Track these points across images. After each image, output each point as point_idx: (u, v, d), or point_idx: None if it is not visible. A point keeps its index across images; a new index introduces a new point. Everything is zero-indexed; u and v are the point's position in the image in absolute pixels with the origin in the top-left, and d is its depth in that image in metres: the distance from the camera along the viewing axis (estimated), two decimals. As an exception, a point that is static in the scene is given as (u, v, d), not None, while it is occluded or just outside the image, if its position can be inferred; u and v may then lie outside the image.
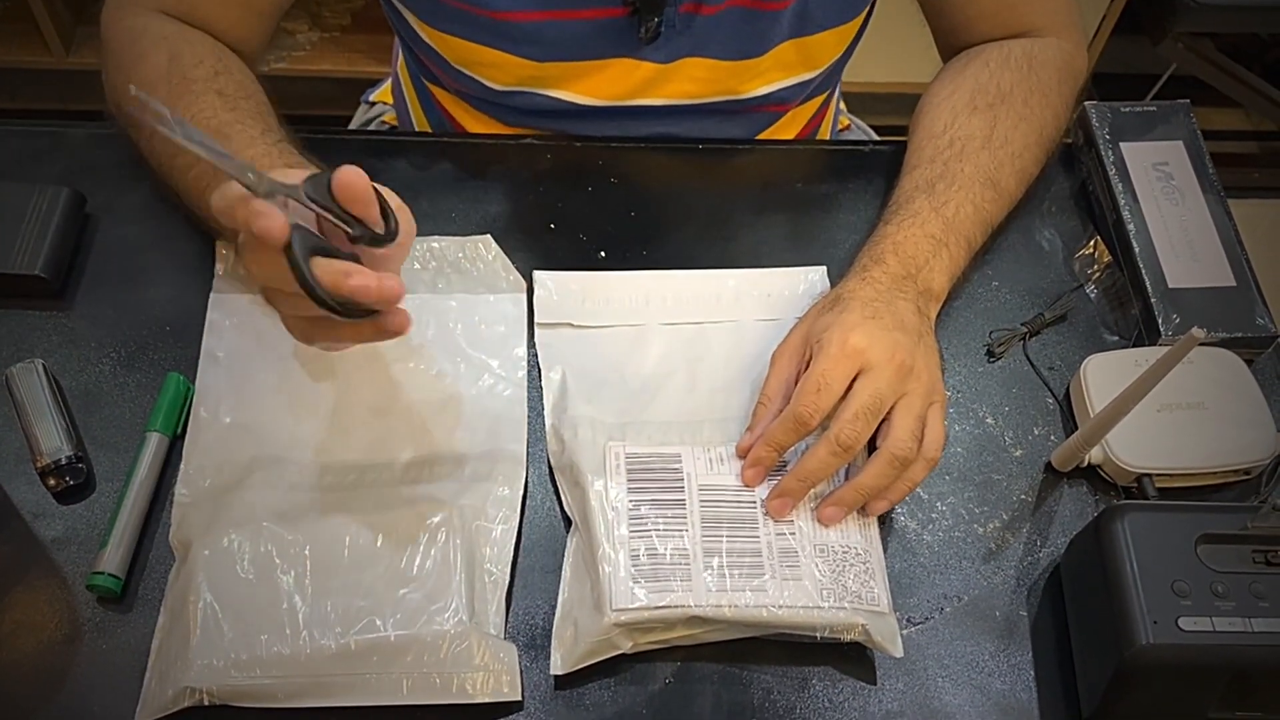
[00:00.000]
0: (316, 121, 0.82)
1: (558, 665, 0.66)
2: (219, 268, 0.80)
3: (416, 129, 1.04)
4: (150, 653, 0.65)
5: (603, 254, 0.84)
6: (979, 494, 0.75)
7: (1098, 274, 0.85)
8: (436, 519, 0.68)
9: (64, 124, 0.90)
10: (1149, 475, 0.73)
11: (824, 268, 0.84)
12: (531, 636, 0.68)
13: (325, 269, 0.59)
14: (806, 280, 0.83)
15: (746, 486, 0.70)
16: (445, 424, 0.74)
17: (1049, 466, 0.76)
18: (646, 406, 0.75)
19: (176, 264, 0.82)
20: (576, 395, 0.75)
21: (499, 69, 0.87)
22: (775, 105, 0.94)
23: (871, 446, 0.70)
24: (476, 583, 0.67)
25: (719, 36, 0.85)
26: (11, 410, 0.74)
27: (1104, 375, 0.76)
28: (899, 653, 0.66)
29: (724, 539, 0.67)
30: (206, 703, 0.62)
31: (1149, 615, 0.61)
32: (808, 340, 0.72)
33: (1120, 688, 0.63)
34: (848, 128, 1.15)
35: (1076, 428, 0.75)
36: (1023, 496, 0.75)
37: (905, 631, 0.69)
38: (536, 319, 0.80)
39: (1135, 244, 0.82)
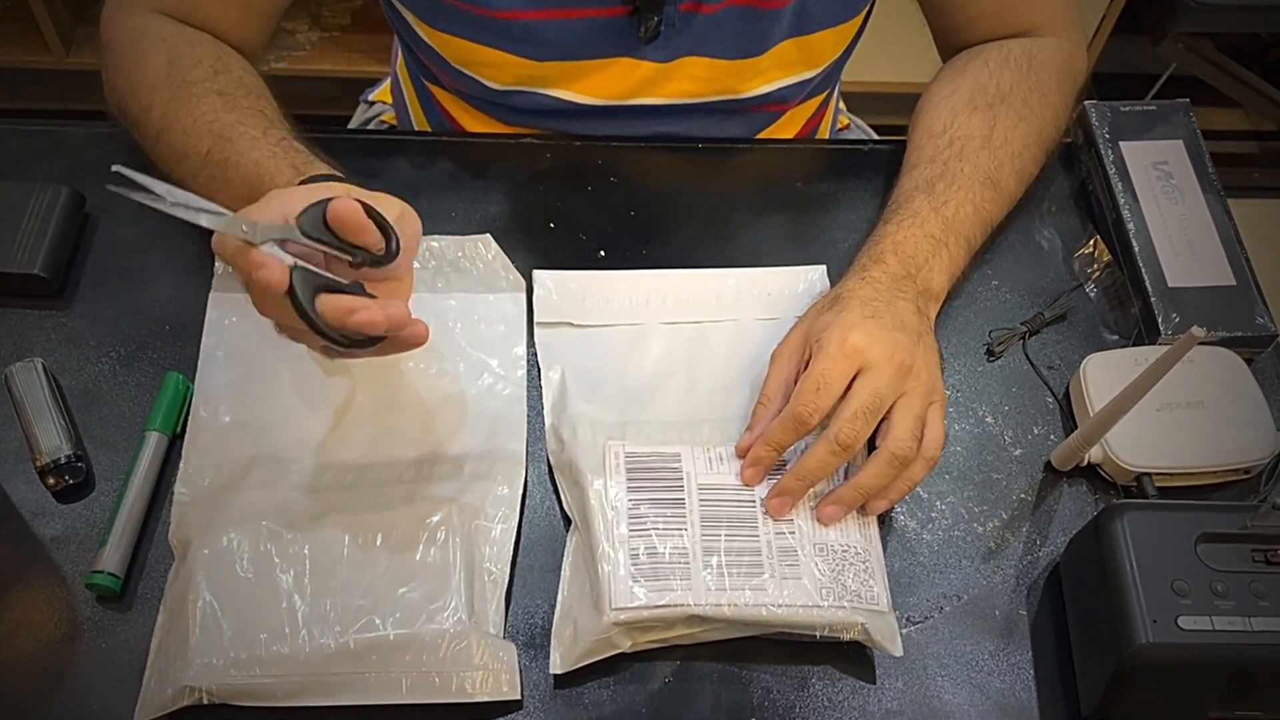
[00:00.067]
0: (316, 121, 0.82)
1: (557, 664, 0.66)
2: (218, 267, 0.80)
3: (416, 128, 1.04)
4: (149, 651, 0.65)
5: (602, 253, 0.84)
6: (978, 493, 0.75)
7: (1097, 273, 0.85)
8: (436, 518, 0.68)
9: (64, 123, 0.90)
10: (1148, 474, 0.73)
11: (823, 267, 0.84)
12: (531, 635, 0.68)
13: (330, 307, 0.59)
14: (806, 279, 0.83)
15: (746, 486, 0.70)
16: (445, 423, 0.74)
17: (1048, 466, 0.76)
18: (646, 406, 0.75)
19: (176, 263, 0.82)
20: (576, 394, 0.75)
21: (498, 68, 0.87)
22: (775, 104, 0.94)
23: (871, 446, 0.69)
24: (476, 582, 0.67)
25: (718, 35, 0.85)
26: (11, 409, 0.74)
27: (1103, 374, 0.76)
28: (898, 652, 0.66)
29: (723, 538, 0.67)
30: (206, 701, 0.62)
31: (1149, 614, 0.61)
32: (807, 339, 0.72)
33: (1120, 687, 0.63)
34: (847, 127, 1.15)
35: (1076, 427, 0.75)
36: (1022, 496, 0.75)
37: (905, 630, 0.69)
38: (536, 318, 0.80)
39: (1135, 243, 0.82)
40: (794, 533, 0.68)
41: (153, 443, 0.72)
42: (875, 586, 0.67)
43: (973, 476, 0.76)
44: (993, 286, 0.85)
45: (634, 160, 0.90)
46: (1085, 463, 0.74)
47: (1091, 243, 0.87)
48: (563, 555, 0.70)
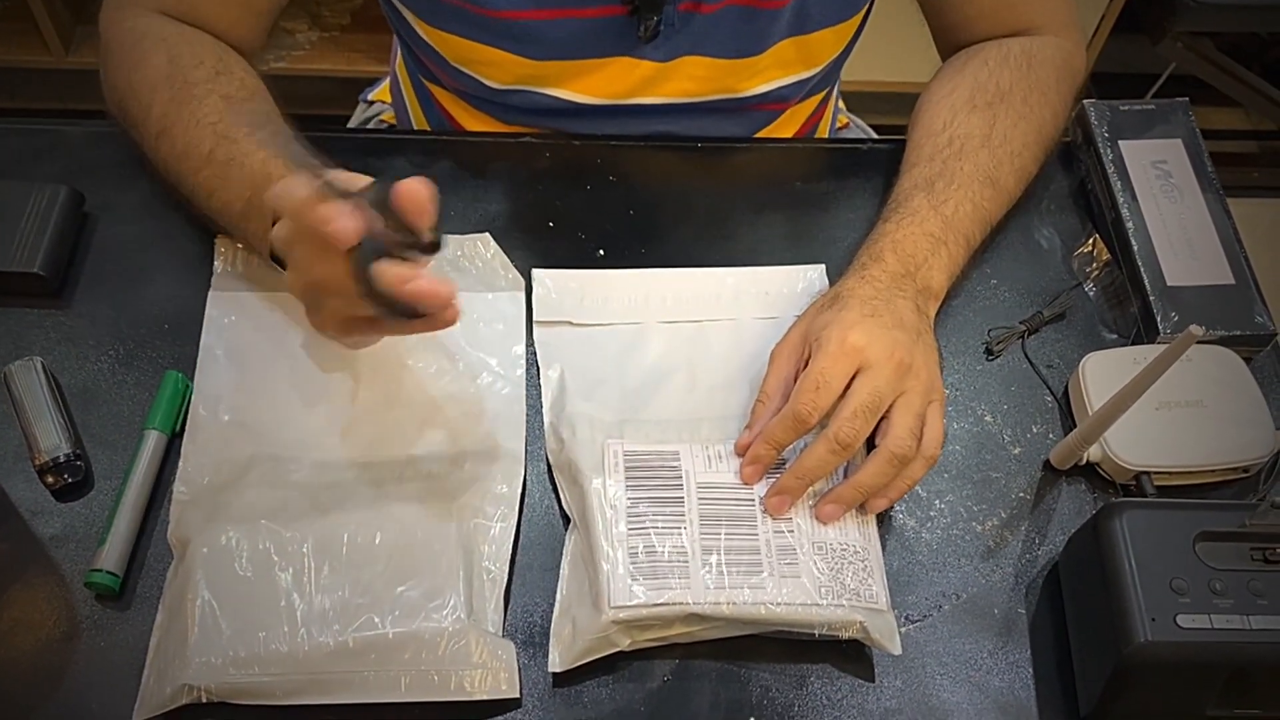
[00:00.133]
0: (316, 121, 0.82)
1: (556, 663, 0.66)
2: (218, 265, 0.80)
3: (415, 128, 1.04)
4: (148, 650, 0.65)
5: (601, 252, 0.84)
6: (977, 492, 0.75)
7: (1096, 272, 0.85)
8: (435, 516, 0.68)
9: (63, 122, 0.90)
10: (1147, 473, 0.73)
11: (823, 266, 0.84)
12: (530, 634, 0.68)
13: (386, 272, 0.59)
14: (805, 278, 0.83)
15: (745, 484, 0.70)
16: (444, 422, 0.74)
17: (1047, 464, 0.76)
18: (645, 404, 0.75)
19: (175, 262, 0.82)
20: (575, 393, 0.75)
21: (498, 67, 0.87)
22: (774, 103, 0.94)
23: (870, 444, 0.69)
24: (475, 580, 0.67)
25: (717, 35, 0.85)
26: (10, 408, 0.74)
27: (1102, 373, 0.76)
28: (897, 650, 0.66)
29: (722, 537, 0.67)
30: (204, 700, 0.62)
31: (1147, 613, 0.61)
32: (806, 338, 0.72)
33: (1119, 685, 0.63)
34: (846, 126, 1.15)
35: (1075, 426, 0.75)
36: (1021, 494, 0.75)
37: (904, 629, 0.69)
38: (535, 317, 0.80)
39: (1134, 242, 0.82)
40: (793, 531, 0.68)
41: (152, 441, 0.72)
42: (874, 585, 0.67)
43: (972, 475, 0.76)
44: (992, 285, 0.85)
45: (633, 159, 0.90)
46: (1084, 461, 0.75)
47: (1090, 242, 0.87)
48: (561, 554, 0.70)
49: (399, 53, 1.05)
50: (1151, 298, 0.80)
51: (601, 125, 0.91)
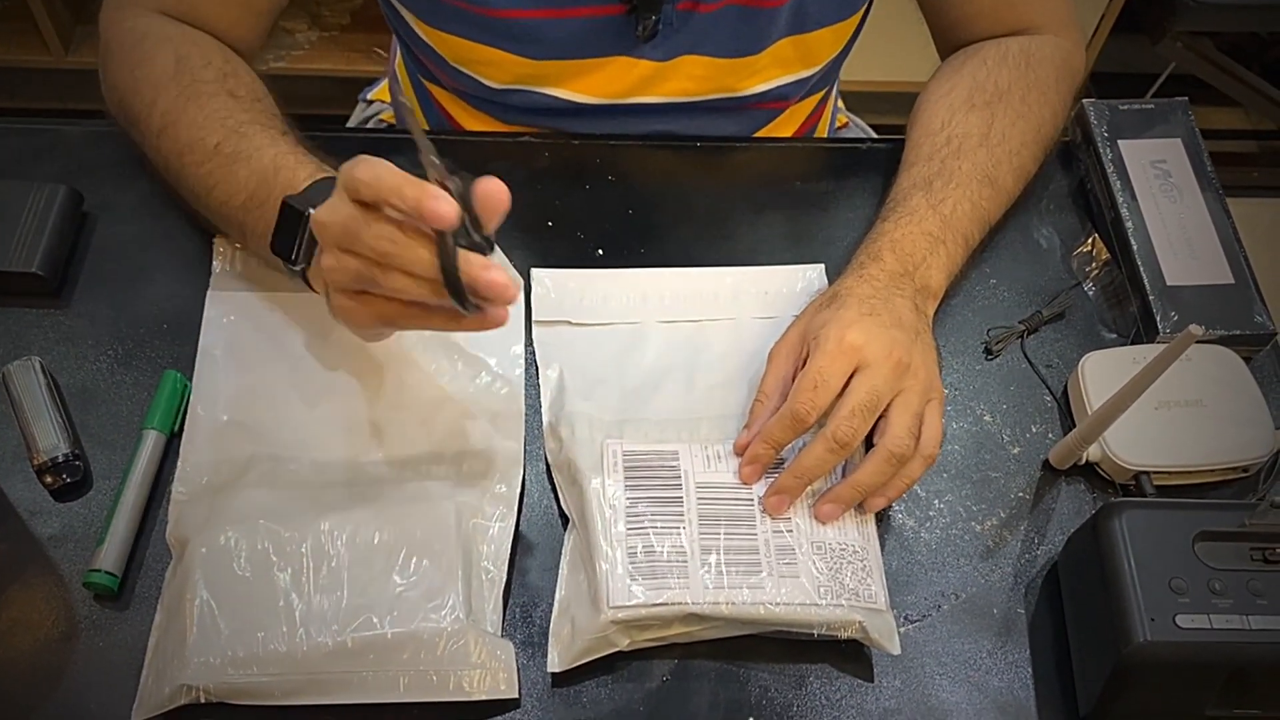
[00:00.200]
0: (315, 120, 0.82)
1: (555, 663, 0.66)
2: (216, 265, 0.80)
3: (414, 127, 1.04)
4: (147, 650, 0.65)
5: (600, 252, 0.84)
6: (976, 491, 0.75)
7: (1096, 271, 0.85)
8: (433, 517, 0.68)
9: (62, 122, 0.89)
10: (1147, 473, 0.73)
11: (822, 265, 0.84)
12: (529, 634, 0.68)
13: (468, 260, 0.60)
14: (804, 278, 0.83)
15: (744, 484, 0.70)
16: (442, 421, 0.74)
17: (1046, 464, 0.76)
18: (644, 404, 0.75)
19: (174, 262, 0.82)
20: (574, 393, 0.75)
21: (496, 67, 0.87)
22: (773, 102, 0.94)
23: (869, 444, 0.69)
24: (474, 580, 0.67)
25: (716, 34, 0.85)
26: (9, 408, 0.74)
27: (1102, 373, 0.76)
28: (896, 650, 0.66)
29: (721, 536, 0.67)
30: (203, 700, 0.62)
31: (1146, 613, 0.61)
32: (805, 337, 0.72)
33: (1118, 685, 0.63)
34: (846, 125, 1.15)
35: (1074, 425, 0.75)
36: (1020, 494, 0.75)
37: (903, 629, 0.69)
38: (534, 317, 0.80)
39: (1133, 241, 0.82)
40: (792, 531, 0.68)
41: (150, 441, 0.72)
42: (873, 585, 0.67)
43: (971, 475, 0.76)
44: (991, 285, 0.85)
45: (632, 159, 0.90)
46: (1083, 461, 0.74)
47: (1090, 241, 0.87)
48: (560, 554, 0.70)
49: (398, 53, 1.05)
50: (1151, 297, 0.80)
51: (601, 125, 0.91)
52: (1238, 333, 0.79)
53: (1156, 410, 0.74)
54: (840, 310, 0.71)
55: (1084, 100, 0.91)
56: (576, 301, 0.80)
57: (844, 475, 0.70)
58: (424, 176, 0.61)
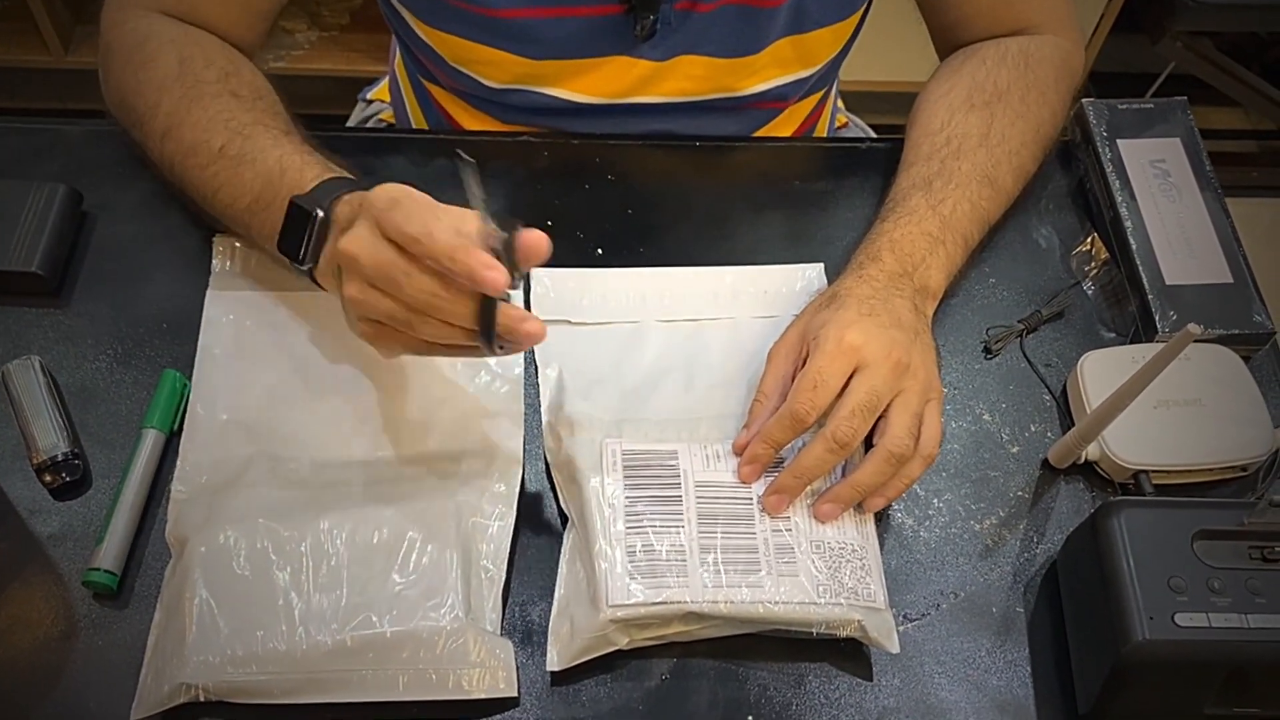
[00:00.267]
0: (315, 120, 0.82)
1: (554, 661, 0.66)
2: (216, 265, 0.80)
3: (414, 127, 1.04)
4: (146, 649, 0.65)
5: (600, 251, 0.84)
6: (976, 491, 0.75)
7: (1095, 271, 0.85)
8: (433, 515, 0.68)
9: (62, 122, 0.90)
10: (1146, 471, 0.73)
11: (821, 265, 0.84)
12: (528, 633, 0.68)
13: (504, 312, 0.63)
14: (804, 277, 0.83)
15: (743, 483, 0.70)
16: (442, 421, 0.74)
17: (1046, 463, 0.76)
18: (643, 403, 0.75)
19: (173, 261, 0.82)
20: (573, 392, 0.75)
21: (495, 67, 0.87)
22: (772, 102, 0.94)
23: (868, 444, 0.69)
24: (473, 579, 0.67)
25: (714, 34, 0.85)
26: (8, 407, 0.74)
27: (1101, 372, 0.76)
28: (895, 649, 0.66)
29: (720, 535, 0.67)
30: (202, 699, 0.62)
31: (1145, 611, 0.61)
32: (804, 337, 0.72)
33: (1117, 684, 0.63)
34: (845, 125, 1.15)
35: (1073, 424, 0.75)
36: (1019, 493, 0.75)
37: (902, 628, 0.69)
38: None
39: (1132, 241, 0.82)
40: (791, 530, 0.68)
41: (150, 440, 0.72)
42: (872, 584, 0.67)
43: (970, 474, 0.76)
44: (990, 284, 0.85)
45: (632, 158, 0.90)
46: (1082, 460, 0.75)
47: (1089, 240, 0.87)
48: (560, 553, 0.70)
49: (398, 52, 1.05)
50: (1150, 296, 0.80)
51: (600, 124, 0.91)
52: (1236, 332, 0.79)
53: (1155, 409, 0.74)
54: (839, 310, 0.71)
55: (1083, 100, 0.91)
56: (576, 301, 0.80)
57: (843, 475, 0.70)
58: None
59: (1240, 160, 2.17)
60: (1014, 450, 0.77)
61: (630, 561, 0.66)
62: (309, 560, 0.66)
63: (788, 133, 1.00)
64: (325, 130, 0.89)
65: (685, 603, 0.65)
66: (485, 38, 0.85)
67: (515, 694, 0.65)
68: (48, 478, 0.71)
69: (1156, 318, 0.79)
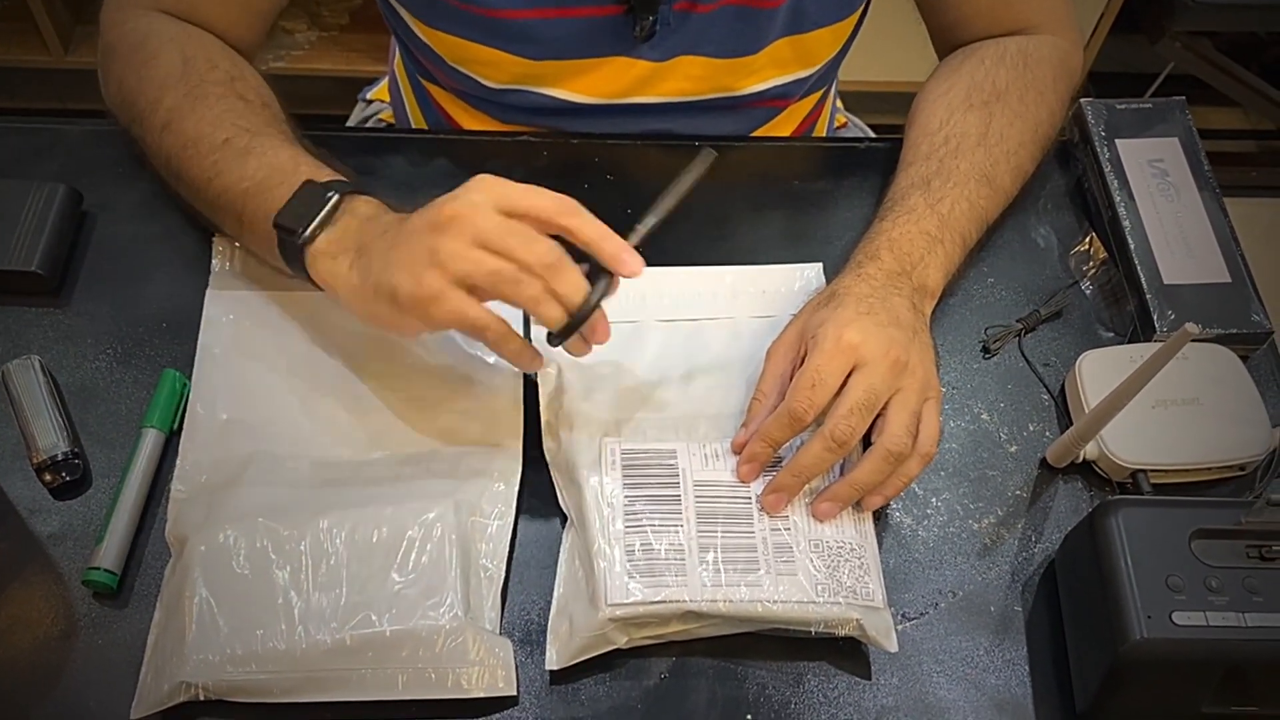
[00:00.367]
0: (315, 120, 0.82)
1: (553, 660, 0.66)
2: (215, 264, 0.80)
3: (413, 126, 1.04)
4: (146, 648, 0.66)
5: (599, 251, 0.84)
6: (974, 490, 0.75)
7: (1093, 270, 0.85)
8: (432, 514, 0.68)
9: (62, 121, 0.90)
10: (1144, 471, 0.73)
11: (820, 264, 0.84)
12: (527, 632, 0.68)
13: (574, 345, 0.69)
14: (802, 277, 0.83)
15: (742, 482, 0.70)
16: (441, 420, 0.74)
17: (1044, 462, 0.76)
18: (642, 403, 0.75)
19: (173, 261, 0.82)
20: (572, 391, 0.75)
21: (494, 67, 0.87)
22: (771, 102, 0.94)
23: (866, 442, 0.70)
24: (472, 578, 0.67)
25: (713, 34, 0.85)
26: (8, 406, 0.74)
27: (1099, 371, 0.76)
28: (894, 648, 0.66)
29: (719, 534, 0.67)
30: (202, 697, 0.62)
31: (1143, 610, 0.61)
32: (803, 336, 0.72)
33: (1115, 682, 0.63)
34: (845, 125, 1.15)
35: (1071, 424, 0.75)
36: (1018, 492, 0.75)
37: (900, 627, 0.69)
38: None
39: (1131, 240, 0.83)
40: (789, 529, 0.68)
41: (150, 440, 0.72)
42: (870, 582, 0.67)
43: (968, 473, 0.76)
44: (989, 284, 0.85)
45: (631, 158, 0.91)
46: (1080, 459, 0.75)
47: (1087, 240, 0.87)
48: (559, 552, 0.70)
49: (397, 52, 1.05)
50: (1148, 296, 0.80)
51: (599, 124, 0.91)
52: (1235, 331, 0.79)
53: (1154, 409, 0.74)
54: (838, 309, 0.71)
55: (1082, 99, 0.91)
56: (575, 300, 0.80)
57: (842, 473, 0.70)
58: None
59: (1239, 160, 2.18)
60: (1012, 449, 0.77)
61: (629, 560, 0.66)
62: (308, 559, 0.66)
63: (787, 132, 1.00)
64: (325, 130, 0.90)
65: (684, 602, 0.65)
66: (484, 38, 0.85)
67: (514, 693, 0.65)
68: (48, 477, 0.71)
69: (1155, 317, 0.79)
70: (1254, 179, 2.14)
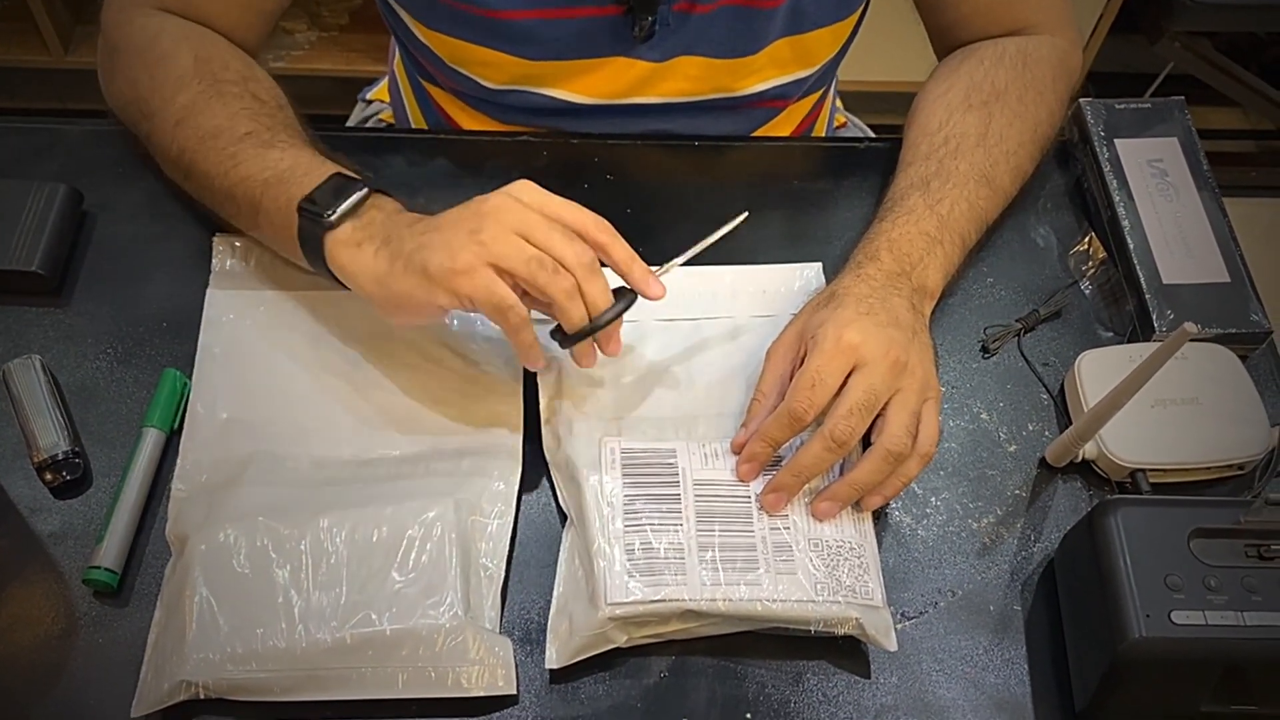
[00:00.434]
0: (315, 120, 0.82)
1: (553, 659, 0.66)
2: (216, 264, 0.80)
3: (413, 126, 1.04)
4: (146, 647, 0.66)
5: (599, 250, 0.84)
6: (973, 489, 0.75)
7: (1092, 270, 0.85)
8: (432, 513, 0.68)
9: (62, 121, 0.90)
10: (1143, 470, 0.73)
11: (819, 264, 0.84)
12: (527, 630, 0.68)
13: (583, 352, 0.71)
14: (802, 277, 0.83)
15: (741, 481, 0.70)
16: (441, 419, 0.74)
17: (1043, 462, 0.76)
18: (642, 402, 0.75)
19: (173, 260, 0.82)
20: (573, 391, 0.75)
21: (494, 68, 0.87)
22: (771, 102, 0.94)
23: (866, 442, 0.70)
24: (472, 577, 0.68)
25: (712, 35, 0.85)
26: (9, 406, 0.74)
27: (1098, 371, 0.76)
28: (893, 647, 0.66)
29: (718, 533, 0.67)
30: (202, 696, 0.62)
31: (1142, 609, 0.61)
32: (803, 336, 0.72)
33: (1113, 681, 0.63)
34: (844, 125, 1.15)
35: (1070, 423, 0.75)
36: (1017, 491, 0.75)
37: (899, 626, 0.69)
38: (532, 314, 0.80)
39: (1130, 240, 0.83)
40: (789, 528, 0.68)
41: (150, 439, 0.72)
42: (870, 582, 0.67)
43: (967, 472, 0.76)
44: (988, 283, 0.85)
45: (630, 158, 0.91)
46: (1080, 459, 0.75)
47: (1086, 240, 0.87)
48: (558, 551, 0.70)
49: (397, 53, 1.05)
50: (1147, 296, 0.80)
51: (598, 125, 0.91)
52: (1234, 331, 0.79)
53: (1153, 408, 0.74)
54: (838, 309, 0.71)
55: (1081, 99, 0.91)
56: (575, 300, 0.81)
57: (841, 473, 0.70)
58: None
59: (1238, 160, 2.18)
60: (1011, 449, 0.77)
61: (629, 560, 0.66)
62: (309, 558, 0.66)
63: (786, 132, 1.00)
64: (325, 130, 0.89)
65: (684, 601, 0.65)
66: (483, 39, 0.85)
67: (514, 692, 0.65)
68: (48, 476, 0.71)
69: (1154, 317, 0.79)
70: (1253, 179, 2.14)
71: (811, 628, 0.66)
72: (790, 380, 0.70)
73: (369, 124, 1.14)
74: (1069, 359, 0.79)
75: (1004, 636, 0.70)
